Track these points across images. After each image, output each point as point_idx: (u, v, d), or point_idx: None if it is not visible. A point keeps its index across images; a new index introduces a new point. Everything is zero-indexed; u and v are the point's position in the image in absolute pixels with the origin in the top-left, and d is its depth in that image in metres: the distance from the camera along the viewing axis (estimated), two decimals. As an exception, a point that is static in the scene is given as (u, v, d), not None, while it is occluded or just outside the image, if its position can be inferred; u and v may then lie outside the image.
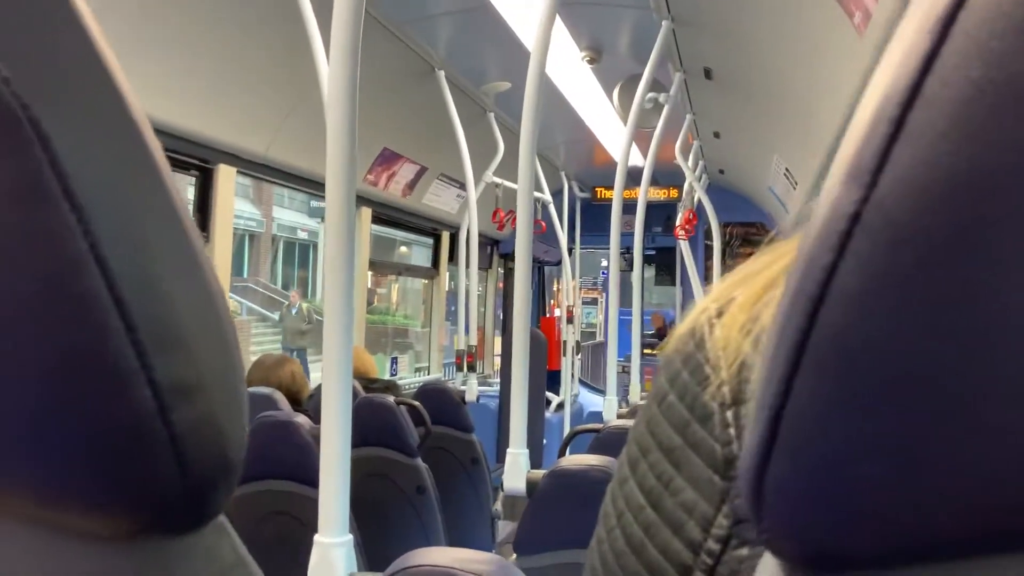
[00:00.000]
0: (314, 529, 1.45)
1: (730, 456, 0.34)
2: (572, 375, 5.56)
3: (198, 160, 2.75)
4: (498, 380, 5.33)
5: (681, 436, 0.36)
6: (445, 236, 5.08)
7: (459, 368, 4.53)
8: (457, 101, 3.69)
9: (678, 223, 5.04)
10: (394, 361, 6.06)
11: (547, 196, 5.09)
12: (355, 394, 2.00)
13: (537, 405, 4.63)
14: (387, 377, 4.35)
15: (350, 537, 1.45)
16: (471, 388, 4.28)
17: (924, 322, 0.17)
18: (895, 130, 0.18)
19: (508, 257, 6.09)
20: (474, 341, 4.51)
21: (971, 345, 0.17)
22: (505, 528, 3.42)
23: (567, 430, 4.34)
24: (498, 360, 6.00)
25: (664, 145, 3.85)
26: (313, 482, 1.56)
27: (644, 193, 3.70)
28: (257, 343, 12.31)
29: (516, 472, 1.93)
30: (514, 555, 1.77)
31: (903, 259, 0.18)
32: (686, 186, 5.13)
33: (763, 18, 2.75)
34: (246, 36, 2.59)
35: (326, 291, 1.49)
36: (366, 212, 3.99)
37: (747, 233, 6.51)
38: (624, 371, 4.55)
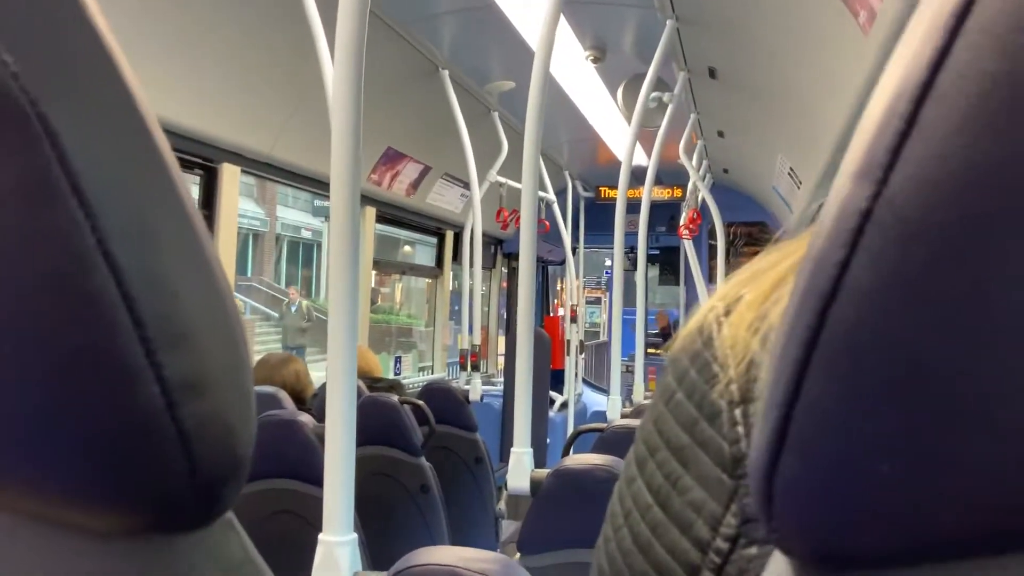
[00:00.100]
0: (318, 528, 1.45)
1: (738, 455, 0.34)
2: (576, 374, 5.56)
3: (202, 159, 2.75)
4: (502, 379, 5.33)
5: (689, 435, 0.36)
6: (449, 235, 5.08)
7: (463, 367, 4.53)
8: (461, 100, 3.69)
9: (682, 222, 5.03)
10: (398, 360, 6.07)
11: (551, 195, 5.09)
12: (359, 393, 2.00)
13: (541, 404, 4.63)
14: (391, 376, 4.35)
15: (355, 536, 1.46)
16: (475, 387, 4.29)
17: (935, 319, 0.17)
18: (907, 126, 0.18)
19: (512, 256, 6.09)
20: (478, 340, 4.51)
21: (981, 343, 0.17)
22: (509, 527, 3.42)
23: (571, 429, 4.34)
24: (502, 359, 6.00)
25: (668, 144, 3.85)
26: (317, 481, 1.56)
27: (648, 192, 3.70)
28: (261, 342, 12.33)
29: (520, 471, 1.93)
30: (518, 554, 1.77)
31: (915, 255, 0.18)
32: (690, 185, 5.13)
33: (767, 17, 2.75)
34: (250, 35, 2.59)
35: (330, 290, 1.49)
36: (370, 211, 3.99)
37: (751, 232, 6.51)
38: (628, 370, 4.54)
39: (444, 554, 1.07)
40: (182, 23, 2.34)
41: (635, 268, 3.83)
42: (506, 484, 1.97)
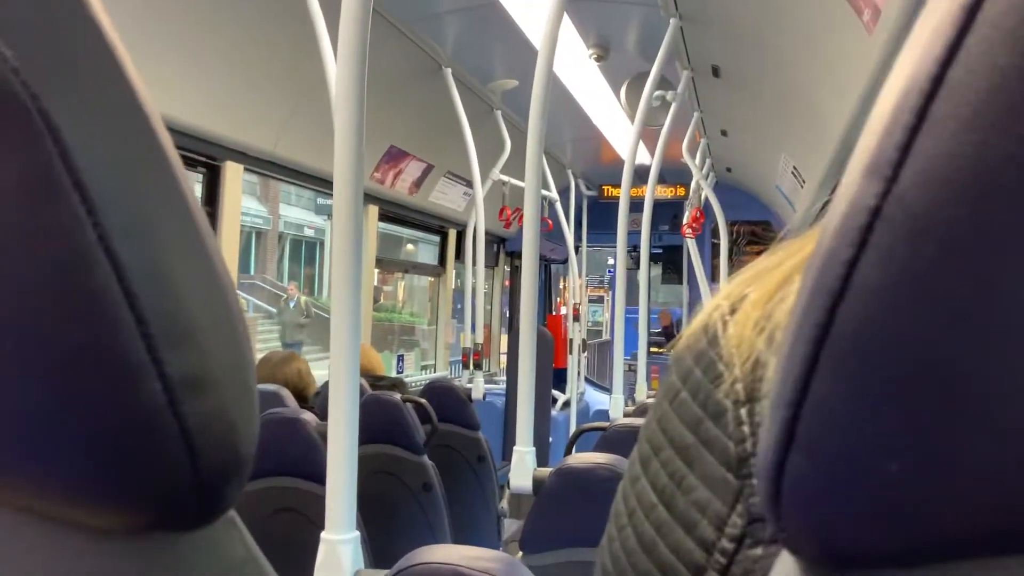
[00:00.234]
0: (321, 526, 1.45)
1: (744, 454, 0.34)
2: (578, 373, 5.56)
3: (205, 157, 2.75)
4: (504, 378, 5.33)
5: (694, 434, 0.36)
6: (452, 234, 5.08)
7: (465, 366, 4.54)
8: (464, 99, 3.70)
9: (685, 221, 5.03)
10: (400, 359, 6.08)
11: (554, 194, 5.09)
12: (362, 391, 2.00)
13: (543, 403, 4.63)
14: (393, 375, 4.35)
15: (357, 534, 1.46)
16: (477, 386, 4.29)
17: (945, 317, 0.17)
18: (917, 121, 0.18)
19: (514, 255, 6.10)
20: (480, 339, 4.52)
21: (988, 342, 0.17)
22: (511, 526, 3.42)
23: (573, 428, 4.34)
24: (504, 358, 6.01)
25: (671, 143, 3.85)
26: (320, 479, 1.56)
27: (651, 191, 3.70)
28: (263, 340, 12.33)
29: (522, 470, 1.93)
30: (520, 553, 1.77)
31: (925, 252, 0.17)
32: (693, 184, 5.13)
33: (771, 16, 2.74)
34: (253, 33, 2.59)
35: (333, 288, 1.49)
36: (373, 210, 4.00)
37: (754, 231, 6.51)
38: (631, 369, 4.55)
39: (446, 553, 1.07)
40: (185, 21, 2.35)
41: (638, 267, 3.84)
42: (508, 483, 1.97)
